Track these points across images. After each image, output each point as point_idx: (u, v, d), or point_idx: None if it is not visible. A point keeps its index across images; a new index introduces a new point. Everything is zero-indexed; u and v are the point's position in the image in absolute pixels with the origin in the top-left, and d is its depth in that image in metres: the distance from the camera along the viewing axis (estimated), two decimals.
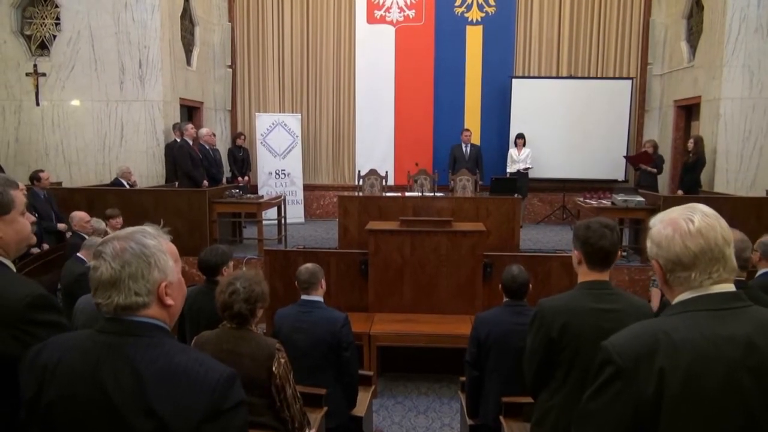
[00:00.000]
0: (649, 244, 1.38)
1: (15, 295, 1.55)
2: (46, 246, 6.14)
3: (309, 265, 3.32)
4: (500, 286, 3.23)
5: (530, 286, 3.21)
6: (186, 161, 7.40)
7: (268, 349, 2.32)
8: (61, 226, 6.42)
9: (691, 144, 7.72)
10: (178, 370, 1.26)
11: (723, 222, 1.33)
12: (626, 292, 2.22)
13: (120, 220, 5.89)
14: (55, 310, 1.62)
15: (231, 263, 3.48)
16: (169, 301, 1.35)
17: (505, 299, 3.22)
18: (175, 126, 8.29)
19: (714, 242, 1.29)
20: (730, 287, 1.31)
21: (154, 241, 1.34)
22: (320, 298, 3.35)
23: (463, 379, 3.64)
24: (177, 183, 7.80)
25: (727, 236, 1.31)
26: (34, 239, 1.80)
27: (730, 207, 6.51)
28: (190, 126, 7.69)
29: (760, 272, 3.32)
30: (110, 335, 1.30)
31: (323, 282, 3.38)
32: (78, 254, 4.55)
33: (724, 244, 1.30)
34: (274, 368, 2.27)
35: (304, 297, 3.31)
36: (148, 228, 1.37)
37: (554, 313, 2.11)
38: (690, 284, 1.31)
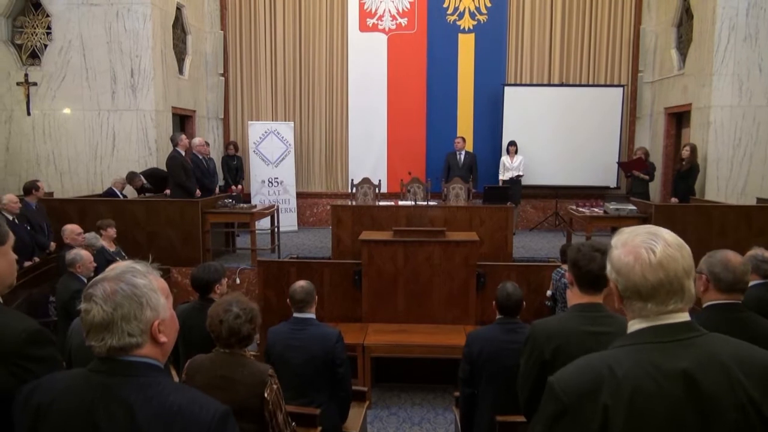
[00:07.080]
0: (608, 266, 1.37)
1: (13, 330, 1.55)
2: (37, 259, 6.09)
3: (303, 283, 3.30)
4: (494, 303, 3.24)
5: (524, 303, 3.22)
6: (179, 172, 7.37)
7: (261, 375, 2.32)
8: (53, 245, 6.37)
9: (687, 152, 7.75)
10: (172, 410, 1.26)
11: (686, 251, 1.31)
12: (619, 315, 2.23)
13: (113, 230, 5.82)
14: (51, 345, 1.62)
15: (224, 280, 3.47)
16: (163, 338, 1.35)
17: (498, 316, 3.23)
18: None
19: (674, 274, 1.28)
20: (683, 317, 1.30)
21: (145, 279, 1.33)
22: (313, 315, 3.34)
23: (457, 393, 3.65)
24: (168, 192, 7.77)
25: (687, 267, 1.29)
26: (14, 280, 1.76)
27: (720, 215, 6.58)
28: (183, 137, 7.66)
29: None
30: (104, 375, 1.30)
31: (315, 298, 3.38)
32: (71, 270, 4.52)
33: (684, 276, 1.29)
34: (266, 394, 2.27)
35: (296, 315, 3.30)
36: (138, 266, 1.37)
37: (547, 336, 2.12)
38: (641, 313, 1.31)
